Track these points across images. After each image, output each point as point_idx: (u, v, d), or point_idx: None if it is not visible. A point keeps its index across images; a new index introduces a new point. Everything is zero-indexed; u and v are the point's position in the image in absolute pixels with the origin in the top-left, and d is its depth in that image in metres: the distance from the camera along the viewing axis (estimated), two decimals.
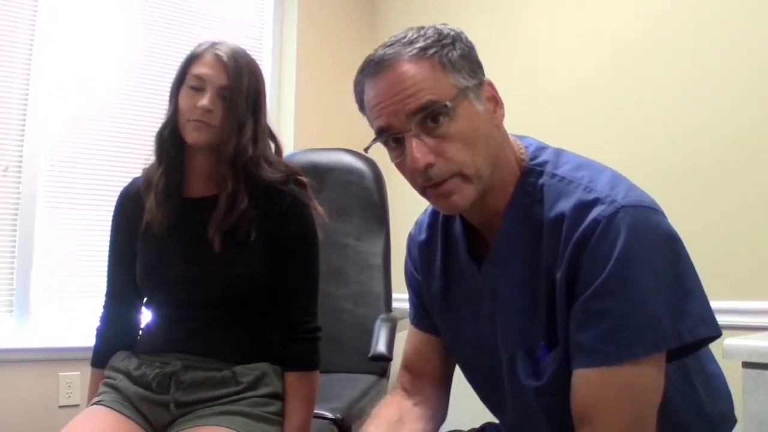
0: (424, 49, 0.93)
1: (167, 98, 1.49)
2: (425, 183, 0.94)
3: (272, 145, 1.54)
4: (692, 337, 0.88)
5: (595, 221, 0.89)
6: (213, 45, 1.47)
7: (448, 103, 0.91)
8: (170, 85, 1.48)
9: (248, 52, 1.51)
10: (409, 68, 0.92)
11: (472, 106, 0.94)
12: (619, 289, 0.87)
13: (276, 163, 1.50)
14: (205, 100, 1.41)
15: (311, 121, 3.09)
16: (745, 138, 2.01)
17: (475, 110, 0.95)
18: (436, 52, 0.93)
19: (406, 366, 1.23)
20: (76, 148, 2.58)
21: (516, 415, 1.07)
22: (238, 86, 1.44)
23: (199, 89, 1.42)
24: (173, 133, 1.46)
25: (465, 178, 0.94)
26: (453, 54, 0.94)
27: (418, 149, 0.92)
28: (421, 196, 0.99)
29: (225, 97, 1.43)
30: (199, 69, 1.43)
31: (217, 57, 1.44)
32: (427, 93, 0.91)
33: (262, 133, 1.49)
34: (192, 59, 1.45)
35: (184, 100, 1.44)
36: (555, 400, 0.96)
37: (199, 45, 1.48)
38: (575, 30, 2.51)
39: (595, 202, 0.91)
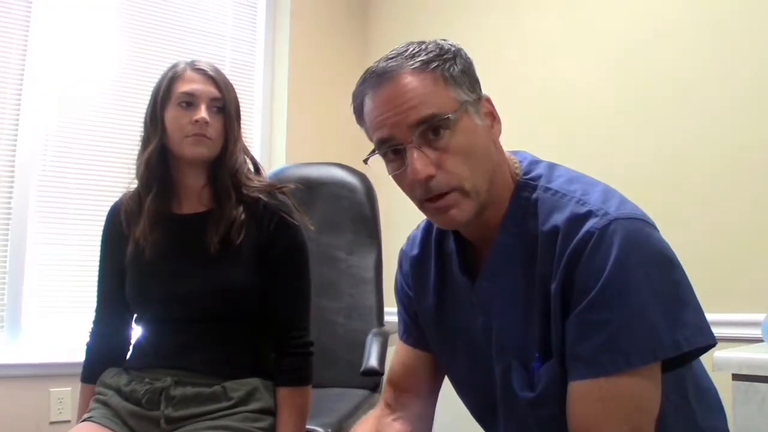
0: (426, 63, 0.94)
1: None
2: (424, 195, 0.95)
3: (249, 163, 1.55)
4: (689, 345, 0.88)
5: (588, 233, 0.90)
6: (192, 62, 1.48)
7: (450, 115, 0.92)
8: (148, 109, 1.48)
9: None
10: (412, 81, 0.93)
11: (471, 120, 0.95)
12: (614, 300, 0.87)
13: (254, 179, 1.52)
14: (200, 113, 1.42)
15: (303, 135, 3.10)
16: (739, 152, 2.02)
17: (475, 125, 0.96)
18: (438, 65, 0.94)
19: (391, 381, 1.21)
20: (69, 162, 2.59)
21: (508, 428, 1.06)
22: (228, 97, 1.47)
23: (190, 105, 1.43)
24: (161, 155, 1.46)
25: (464, 193, 0.94)
26: (455, 68, 0.95)
27: (419, 160, 0.92)
28: (419, 209, 0.99)
29: (218, 109, 1.45)
30: (187, 86, 1.44)
31: (202, 72, 1.46)
32: (429, 106, 0.92)
33: (243, 146, 1.52)
34: (174, 79, 1.45)
35: (174, 118, 1.44)
36: (549, 412, 0.96)
37: (176, 65, 1.48)
38: (569, 38, 2.52)
39: (588, 215, 0.92)
